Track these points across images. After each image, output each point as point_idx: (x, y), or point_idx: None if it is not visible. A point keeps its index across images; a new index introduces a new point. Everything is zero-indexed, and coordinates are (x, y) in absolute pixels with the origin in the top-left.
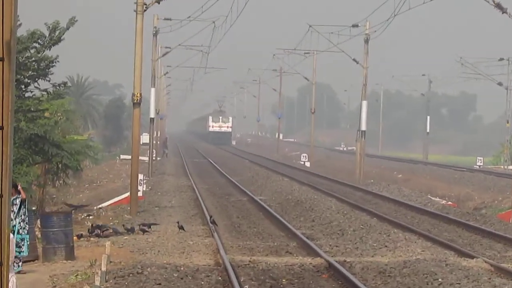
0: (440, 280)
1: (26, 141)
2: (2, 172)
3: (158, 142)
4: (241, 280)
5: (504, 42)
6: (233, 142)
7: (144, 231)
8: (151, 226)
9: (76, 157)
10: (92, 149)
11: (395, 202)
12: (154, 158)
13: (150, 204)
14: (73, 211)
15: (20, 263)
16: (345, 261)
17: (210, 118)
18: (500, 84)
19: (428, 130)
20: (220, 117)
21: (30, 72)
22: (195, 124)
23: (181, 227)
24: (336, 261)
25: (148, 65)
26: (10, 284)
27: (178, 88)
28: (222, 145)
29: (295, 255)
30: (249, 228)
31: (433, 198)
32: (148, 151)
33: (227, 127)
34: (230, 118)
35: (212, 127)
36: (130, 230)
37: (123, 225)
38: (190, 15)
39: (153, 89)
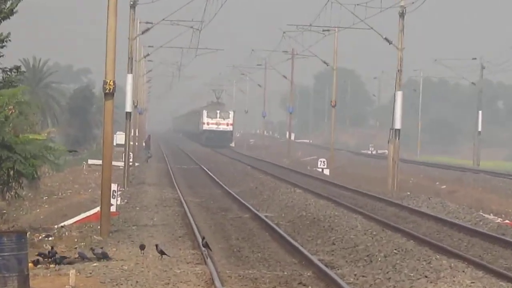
0: None
1: None
2: None
3: (140, 143)
4: None
5: None
6: (232, 144)
7: (100, 259)
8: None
9: (32, 162)
10: (52, 151)
11: (438, 220)
12: (131, 164)
13: (126, 222)
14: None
15: None
16: None
17: (205, 112)
18: None
19: (479, 129)
20: (218, 112)
21: None
22: (184, 120)
23: (161, 252)
24: None
25: (124, 45)
26: None
27: (162, 74)
28: (220, 147)
29: (310, 287)
30: (251, 253)
31: (486, 216)
32: (124, 155)
33: (227, 124)
34: (231, 113)
35: (208, 124)
36: (102, 256)
37: (92, 249)
38: None
39: (130, 76)
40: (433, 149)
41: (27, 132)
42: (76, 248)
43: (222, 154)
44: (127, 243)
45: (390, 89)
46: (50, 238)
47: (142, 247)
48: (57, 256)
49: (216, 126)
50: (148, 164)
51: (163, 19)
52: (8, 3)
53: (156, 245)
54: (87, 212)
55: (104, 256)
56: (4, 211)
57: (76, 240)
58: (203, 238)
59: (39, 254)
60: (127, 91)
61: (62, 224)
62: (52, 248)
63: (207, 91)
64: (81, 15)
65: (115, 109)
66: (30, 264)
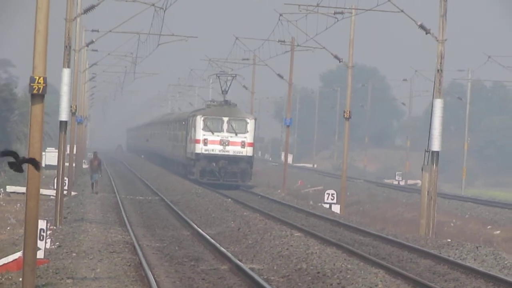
0: None
1: None
2: None
3: (85, 165)
4: None
5: None
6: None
7: None
8: None
9: None
10: None
11: (489, 278)
12: (66, 193)
13: (59, 272)
14: None
15: None
16: None
17: (201, 121)
18: None
19: None
20: (226, 120)
21: None
22: (151, 134)
23: None
24: None
25: (59, 29)
26: None
27: (110, 70)
28: (233, 187)
29: None
30: None
31: None
32: (56, 180)
33: (242, 144)
34: (249, 122)
35: (205, 143)
36: None
37: None
38: None
39: (66, 71)
40: (484, 180)
41: None
42: None
43: (190, 181)
44: None
45: (426, 96)
46: None
47: None
48: None
49: (221, 147)
50: (90, 195)
51: None
52: None
53: None
54: (3, 259)
55: None
56: None
57: None
58: None
59: None
60: (62, 92)
61: None
62: None
63: (173, 93)
64: None
65: (45, 117)
66: None
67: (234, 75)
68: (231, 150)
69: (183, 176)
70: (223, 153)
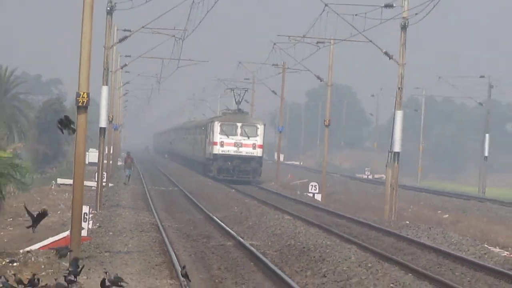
0: None
1: None
2: None
3: (120, 162)
4: None
5: None
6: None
7: (114, 285)
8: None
9: None
10: (19, 169)
11: (439, 252)
12: (104, 184)
13: (98, 247)
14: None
15: None
16: None
17: (217, 126)
18: None
19: (486, 154)
20: (239, 125)
21: None
22: (175, 138)
23: (185, 275)
24: None
25: (99, 54)
26: None
27: (140, 87)
28: (243, 183)
29: None
30: (235, 284)
31: (491, 248)
32: (97, 174)
33: (253, 146)
34: (260, 127)
35: (222, 145)
36: (72, 283)
37: (64, 277)
38: None
39: (105, 88)
40: (435, 174)
41: None
42: (43, 275)
43: (203, 175)
44: (99, 271)
45: (389, 109)
46: (15, 264)
47: (185, 275)
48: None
49: (235, 148)
50: (124, 186)
51: (143, 27)
52: None
53: (183, 267)
54: (55, 236)
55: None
56: None
57: (43, 266)
58: (183, 267)
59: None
60: (101, 105)
61: (28, 248)
62: (14, 275)
63: (188, 105)
64: (51, 20)
65: (88, 124)
66: None
67: (246, 89)
68: (244, 151)
69: (201, 173)
70: (237, 153)
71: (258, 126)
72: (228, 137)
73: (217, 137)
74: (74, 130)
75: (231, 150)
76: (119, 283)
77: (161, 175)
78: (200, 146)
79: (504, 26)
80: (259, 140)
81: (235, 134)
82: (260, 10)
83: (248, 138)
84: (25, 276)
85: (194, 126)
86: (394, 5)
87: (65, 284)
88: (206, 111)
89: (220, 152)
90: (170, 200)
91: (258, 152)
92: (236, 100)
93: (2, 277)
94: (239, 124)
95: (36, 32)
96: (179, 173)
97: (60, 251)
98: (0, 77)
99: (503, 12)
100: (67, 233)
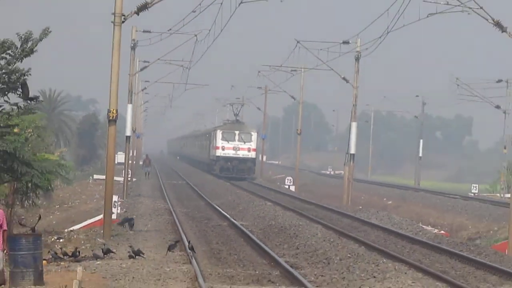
0: None
1: None
2: None
3: (140, 162)
4: None
5: (503, 62)
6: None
7: (136, 255)
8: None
9: (47, 177)
10: (64, 168)
11: (385, 230)
12: (129, 179)
13: (125, 227)
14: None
15: None
16: None
17: (219, 134)
18: (497, 107)
19: (420, 155)
20: (237, 133)
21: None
22: (185, 143)
23: (191, 248)
24: None
25: (125, 79)
26: None
27: (156, 105)
28: (240, 179)
29: (278, 284)
30: (229, 255)
31: (424, 227)
32: (123, 171)
33: (248, 149)
34: (253, 134)
35: (223, 149)
36: (106, 253)
37: (102, 249)
38: (170, 27)
39: (130, 106)
40: (381, 170)
41: (43, 152)
42: (83, 248)
43: (207, 173)
44: (125, 245)
45: (346, 121)
46: (61, 240)
47: (191, 248)
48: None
49: (234, 151)
50: (144, 179)
51: (158, 59)
52: (30, 43)
53: (189, 242)
54: (92, 219)
55: (107, 253)
56: (23, 217)
57: (82, 242)
58: (189, 242)
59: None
60: (127, 119)
61: (71, 228)
62: (61, 248)
63: (194, 118)
64: (89, 53)
65: (117, 133)
66: (44, 262)
67: (242, 104)
68: (241, 153)
69: (205, 171)
70: (235, 155)
71: (252, 133)
72: (228, 142)
73: (219, 142)
74: (26, 96)
75: (230, 152)
76: (140, 254)
77: (173, 172)
78: (205, 149)
79: (434, 57)
80: (253, 145)
81: (234, 140)
82: (247, 46)
83: (244, 143)
84: (69, 249)
85: (201, 134)
86: (350, 42)
87: (101, 254)
88: (207, 123)
89: (222, 155)
90: (180, 191)
91: (252, 154)
92: (235, 113)
93: (52, 250)
94: (237, 132)
95: (77, 62)
96: (187, 171)
97: (124, 222)
98: (50, 97)
99: (432, 45)
100: (101, 216)
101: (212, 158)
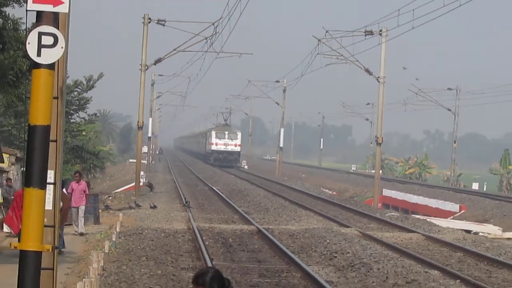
0: (328, 240)
1: (70, 150)
2: (56, 169)
3: (157, 152)
4: (203, 238)
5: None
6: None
7: (155, 207)
8: (156, 206)
9: (102, 160)
10: (111, 155)
11: (299, 191)
12: (150, 162)
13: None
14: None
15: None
16: (268, 228)
17: (213, 134)
18: (367, 119)
19: (321, 147)
20: (226, 133)
21: (74, 106)
22: (188, 140)
23: (187, 203)
24: (263, 228)
25: (148, 102)
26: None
27: (166, 117)
28: (228, 167)
29: (237, 223)
30: (209, 206)
31: (324, 190)
32: (147, 157)
33: (235, 145)
34: (239, 134)
35: (216, 145)
36: (137, 206)
37: (135, 202)
38: (174, 72)
39: (150, 118)
40: (298, 157)
41: (99, 146)
42: (122, 203)
43: (203, 162)
44: (148, 201)
45: (278, 127)
46: (110, 198)
47: (187, 203)
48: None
49: (224, 146)
50: (158, 162)
51: (167, 91)
52: (91, 82)
53: (188, 202)
54: (128, 185)
55: (138, 206)
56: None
57: (123, 199)
58: (185, 199)
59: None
60: (149, 126)
61: (116, 191)
62: (107, 205)
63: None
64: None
65: (142, 135)
66: (100, 210)
67: (230, 112)
68: (230, 148)
69: (203, 161)
70: (225, 149)
71: (238, 133)
72: (220, 139)
73: (213, 140)
74: None
75: (221, 147)
76: (156, 206)
77: (178, 160)
78: (202, 145)
79: (333, 83)
80: (238, 142)
81: (224, 138)
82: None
83: (232, 140)
84: (114, 203)
85: (198, 134)
86: (279, 81)
87: (133, 206)
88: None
89: (215, 149)
90: (181, 170)
91: (238, 148)
92: (224, 119)
93: (105, 203)
94: (226, 132)
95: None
96: (188, 160)
97: (149, 184)
98: (103, 114)
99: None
100: (133, 184)
101: (207, 151)
